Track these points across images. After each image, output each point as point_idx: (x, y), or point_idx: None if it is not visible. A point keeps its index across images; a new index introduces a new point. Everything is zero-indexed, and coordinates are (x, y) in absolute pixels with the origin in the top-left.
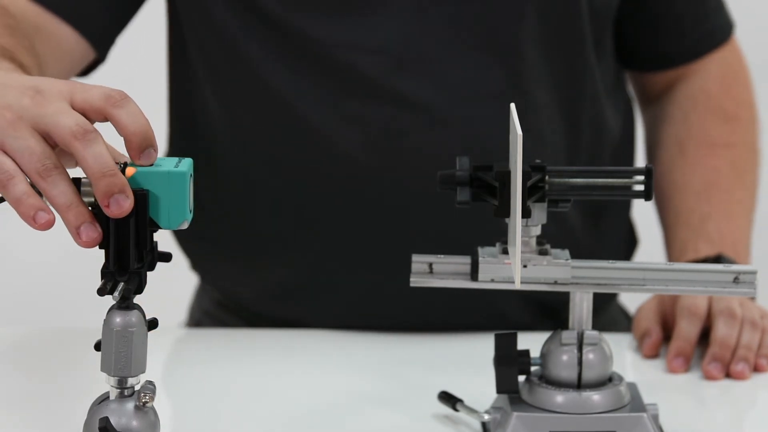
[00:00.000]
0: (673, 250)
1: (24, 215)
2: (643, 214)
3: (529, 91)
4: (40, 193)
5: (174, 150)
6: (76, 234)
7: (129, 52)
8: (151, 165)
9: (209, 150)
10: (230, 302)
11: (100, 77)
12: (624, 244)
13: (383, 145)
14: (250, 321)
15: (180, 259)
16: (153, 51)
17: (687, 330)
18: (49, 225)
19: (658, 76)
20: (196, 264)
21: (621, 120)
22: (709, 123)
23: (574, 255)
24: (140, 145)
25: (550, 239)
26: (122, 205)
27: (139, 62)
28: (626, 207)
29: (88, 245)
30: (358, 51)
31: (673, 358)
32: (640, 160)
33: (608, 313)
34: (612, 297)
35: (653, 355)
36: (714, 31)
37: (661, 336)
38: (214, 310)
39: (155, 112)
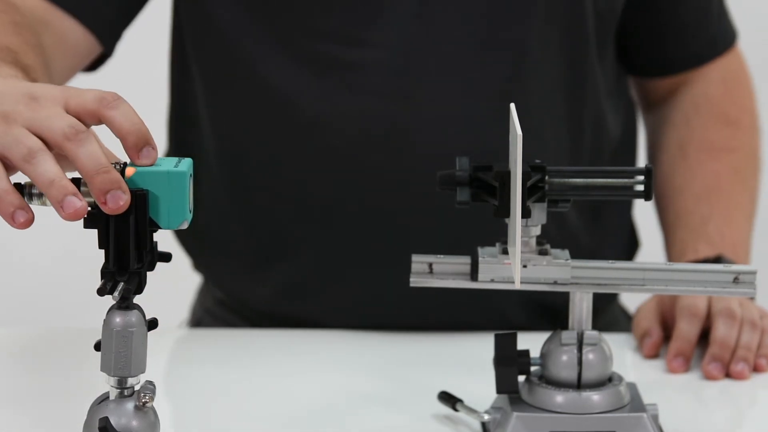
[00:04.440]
0: (672, 251)
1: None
2: (644, 216)
3: (533, 92)
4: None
5: (174, 149)
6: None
7: (131, 51)
8: (152, 164)
9: (209, 148)
10: (232, 301)
11: (100, 78)
12: (626, 247)
13: (383, 143)
14: (252, 320)
15: (181, 258)
16: (154, 50)
17: (686, 330)
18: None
19: (661, 81)
20: (199, 264)
21: (621, 123)
22: (711, 127)
23: (575, 256)
24: (136, 144)
25: (550, 240)
26: (119, 200)
27: (141, 61)
28: (627, 209)
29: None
30: (361, 46)
31: (673, 359)
32: (641, 164)
33: (609, 314)
34: (613, 297)
35: (653, 355)
36: (717, 38)
37: (662, 336)
38: (216, 308)
39: (156, 113)
